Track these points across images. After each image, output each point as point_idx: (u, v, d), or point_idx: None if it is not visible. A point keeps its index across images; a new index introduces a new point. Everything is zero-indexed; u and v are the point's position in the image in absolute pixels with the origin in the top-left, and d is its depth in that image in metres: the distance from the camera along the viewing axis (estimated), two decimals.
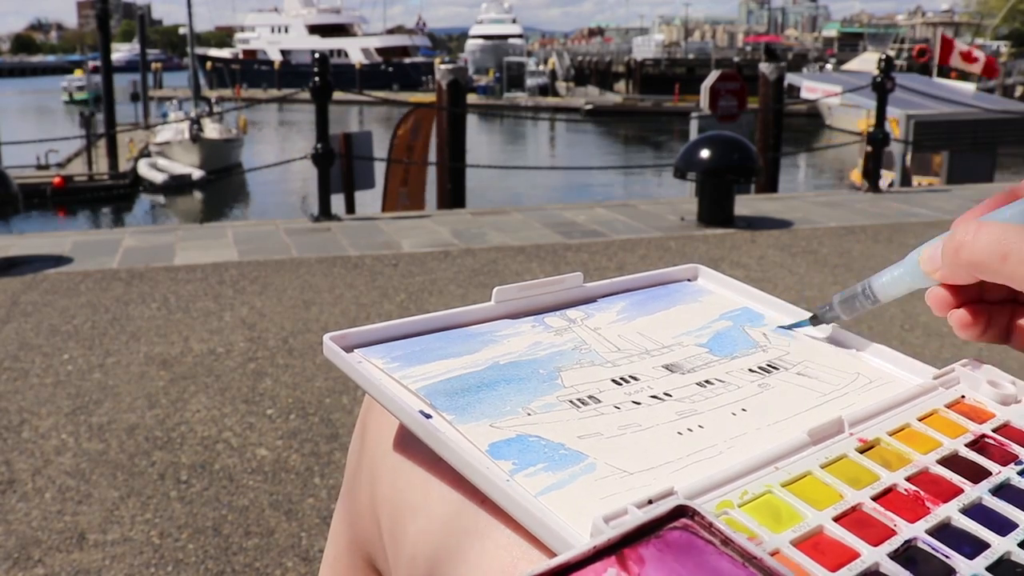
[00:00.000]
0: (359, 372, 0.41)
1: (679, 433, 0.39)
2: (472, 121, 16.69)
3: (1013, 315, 0.42)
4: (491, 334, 0.47)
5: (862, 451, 0.37)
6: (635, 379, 0.43)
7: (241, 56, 63.61)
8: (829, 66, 40.62)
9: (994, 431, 0.39)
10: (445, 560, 0.37)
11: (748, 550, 0.28)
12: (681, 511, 0.30)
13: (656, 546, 0.28)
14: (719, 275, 0.57)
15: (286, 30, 65.74)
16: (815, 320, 0.49)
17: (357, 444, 0.48)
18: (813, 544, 0.31)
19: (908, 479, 0.35)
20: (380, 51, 63.07)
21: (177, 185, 18.74)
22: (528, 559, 0.33)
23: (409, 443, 0.42)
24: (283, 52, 63.01)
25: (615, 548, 0.27)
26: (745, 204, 6.32)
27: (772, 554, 0.30)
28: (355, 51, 62.15)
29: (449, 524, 0.37)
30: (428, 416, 0.38)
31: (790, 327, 0.50)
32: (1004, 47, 51.96)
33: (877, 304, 0.45)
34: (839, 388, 0.44)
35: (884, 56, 7.45)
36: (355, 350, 0.44)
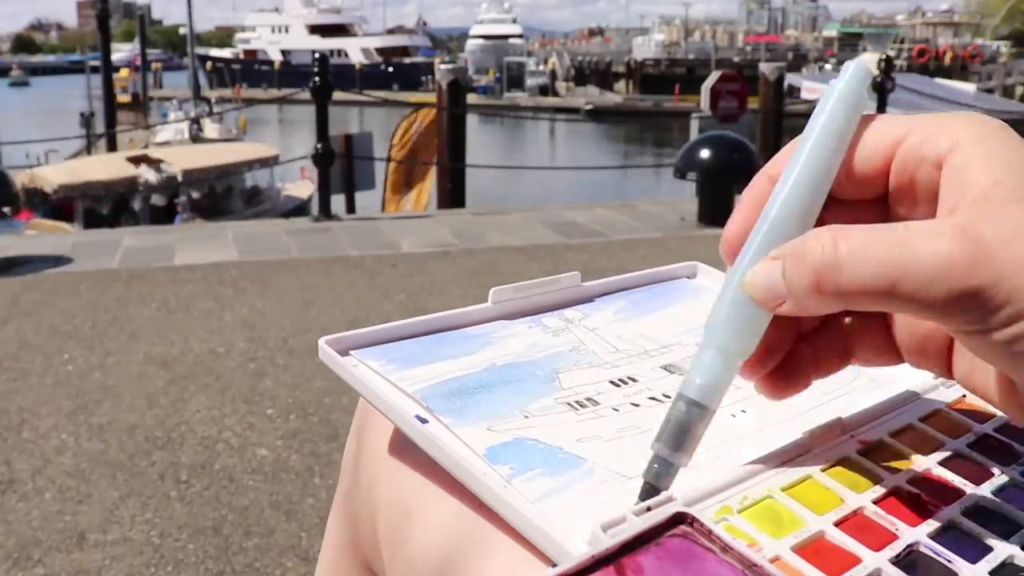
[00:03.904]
0: (355, 376, 0.41)
1: None
2: (472, 121, 16.69)
3: (844, 336, 0.34)
4: (488, 335, 0.46)
5: (863, 453, 0.37)
6: (634, 380, 0.43)
7: (241, 56, 63.69)
8: (829, 66, 40.64)
9: (996, 431, 0.39)
10: (443, 565, 0.37)
11: (748, 557, 0.28)
12: (680, 518, 0.29)
13: (655, 554, 0.28)
14: (718, 273, 0.56)
15: (286, 30, 65.81)
16: (649, 493, 0.32)
17: (353, 446, 0.48)
18: (814, 550, 0.31)
19: (910, 481, 0.35)
20: (380, 51, 63.14)
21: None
22: (527, 565, 0.33)
23: (406, 446, 0.41)
24: (283, 52, 63.09)
25: (614, 557, 0.27)
26: None
27: (773, 561, 0.29)
28: (355, 51, 62.22)
29: (446, 529, 0.37)
30: (424, 421, 0.38)
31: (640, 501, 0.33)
32: (1004, 47, 51.98)
33: (714, 411, 0.32)
34: (839, 388, 0.44)
35: (884, 56, 7.46)
36: (351, 353, 0.43)
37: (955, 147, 0.29)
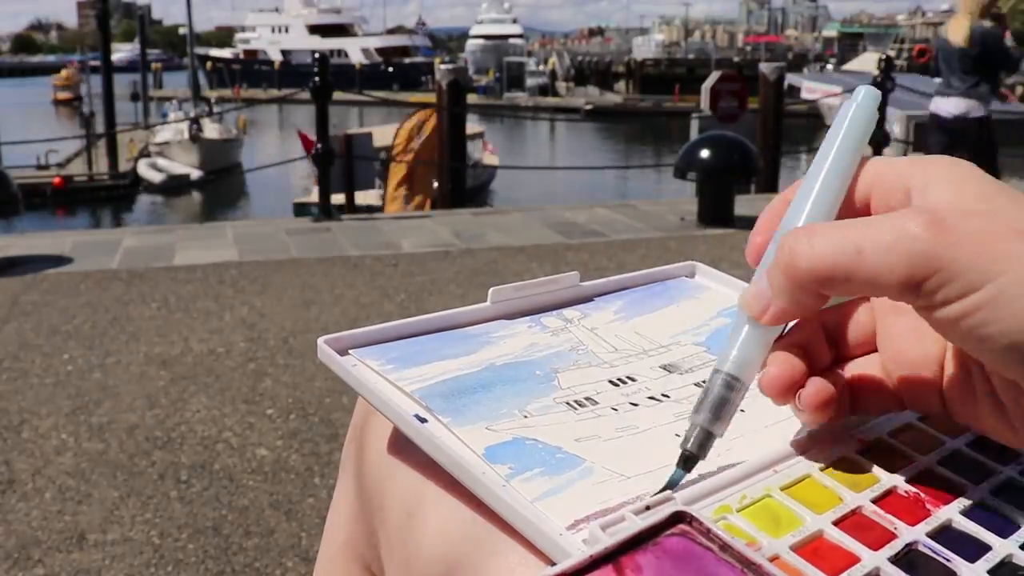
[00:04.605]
0: (354, 376, 0.41)
1: (677, 435, 0.38)
2: (472, 121, 16.69)
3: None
4: (487, 335, 0.46)
5: (862, 452, 0.37)
6: (632, 380, 0.43)
7: (241, 56, 63.69)
8: (829, 66, 40.64)
9: None
10: (442, 565, 0.37)
11: (747, 556, 0.28)
12: (679, 517, 0.29)
13: (654, 553, 0.28)
14: (717, 272, 0.56)
15: (286, 30, 65.81)
16: (689, 462, 0.34)
17: (352, 445, 0.48)
18: (813, 549, 0.31)
19: (908, 480, 0.35)
20: (380, 51, 63.16)
21: (177, 185, 18.75)
22: (527, 565, 0.33)
23: (405, 446, 0.41)
24: (283, 52, 63.09)
25: (612, 556, 0.27)
26: (745, 204, 6.31)
27: (771, 560, 0.29)
28: (355, 51, 62.22)
29: (445, 528, 0.37)
30: (423, 420, 0.38)
31: (663, 490, 0.33)
32: None
33: (744, 390, 0.34)
34: None
35: (884, 56, 7.45)
36: (350, 353, 0.43)
37: (925, 176, 0.31)
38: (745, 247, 0.36)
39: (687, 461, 0.34)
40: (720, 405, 0.34)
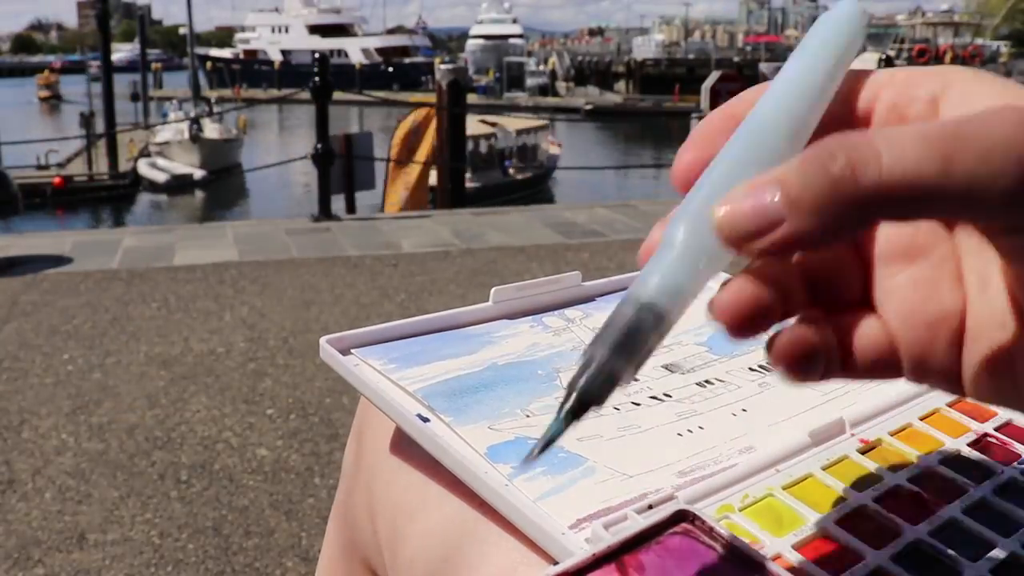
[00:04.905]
0: (356, 375, 0.41)
1: (679, 434, 0.38)
2: (472, 121, 16.71)
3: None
4: (489, 335, 0.46)
5: (864, 452, 0.37)
6: (634, 380, 0.43)
7: (241, 56, 63.66)
8: None
9: (996, 429, 0.39)
10: (444, 564, 0.37)
11: (750, 555, 0.28)
12: (681, 516, 0.29)
13: (656, 552, 0.28)
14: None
15: (286, 30, 65.78)
16: (579, 406, 0.24)
17: (354, 445, 0.48)
18: (815, 548, 0.31)
19: (910, 480, 0.35)
20: (380, 51, 63.12)
21: (177, 185, 18.74)
22: (528, 564, 0.33)
23: (407, 445, 0.41)
24: (283, 52, 63.06)
25: (615, 555, 0.27)
26: None
27: (774, 558, 0.29)
28: (355, 51, 62.20)
29: (448, 528, 0.37)
30: (425, 420, 0.38)
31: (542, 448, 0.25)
32: (1004, 47, 51.98)
33: (665, 329, 0.25)
34: (839, 388, 0.44)
35: (884, 56, 7.46)
36: (352, 352, 0.43)
37: (949, 85, 0.26)
38: (670, 171, 0.28)
39: (577, 408, 0.24)
40: (629, 339, 0.24)
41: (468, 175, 13.36)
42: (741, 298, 0.25)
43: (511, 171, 16.74)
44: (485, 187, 14.85)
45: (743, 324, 0.25)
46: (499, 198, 13.15)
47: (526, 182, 16.79)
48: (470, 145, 14.43)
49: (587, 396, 0.24)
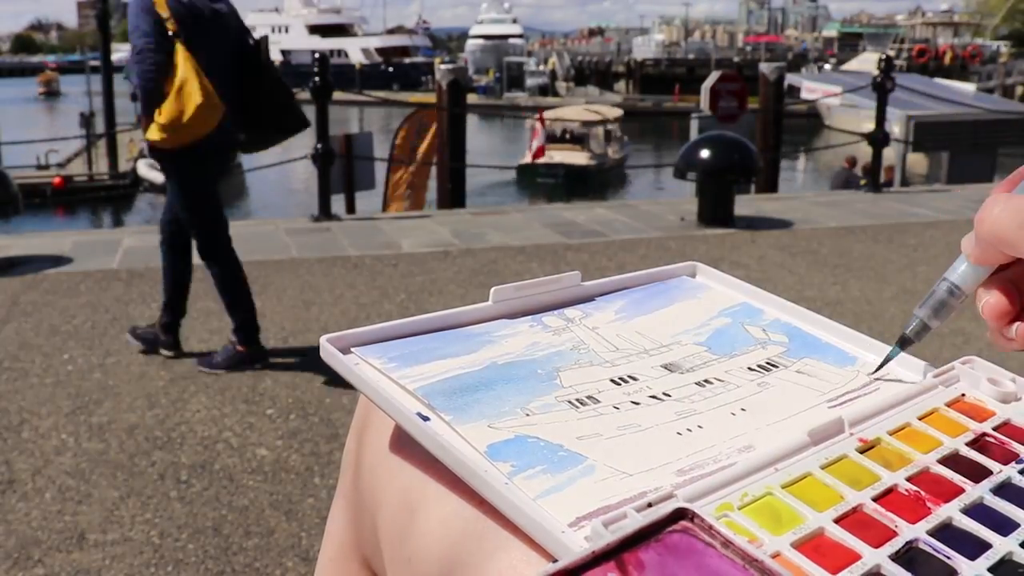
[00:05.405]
0: (356, 374, 0.41)
1: (678, 434, 0.38)
2: (472, 121, 16.72)
3: None
4: (489, 334, 0.46)
5: (862, 451, 0.37)
6: (634, 379, 0.43)
7: None
8: (828, 66, 40.63)
9: (995, 429, 0.39)
10: (444, 563, 0.37)
11: (749, 553, 0.28)
12: (681, 514, 0.30)
13: (656, 550, 0.28)
14: (717, 272, 0.56)
15: (286, 30, 65.76)
16: (905, 343, 0.43)
17: (353, 444, 0.48)
18: (814, 546, 0.31)
19: (909, 479, 0.35)
20: (380, 51, 63.10)
21: None
22: (529, 562, 0.33)
23: (407, 444, 0.41)
24: (283, 52, 63.00)
25: (614, 553, 0.27)
26: (745, 204, 6.32)
27: (773, 557, 0.30)
28: (355, 51, 62.17)
29: (448, 526, 0.37)
30: (426, 419, 0.38)
31: (882, 365, 0.45)
32: (1004, 47, 51.99)
33: (964, 298, 0.41)
34: (839, 387, 0.44)
35: (884, 56, 7.45)
36: (352, 351, 0.43)
37: None
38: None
39: (904, 342, 0.42)
40: (940, 306, 0.41)
41: (587, 156, 19.43)
42: (999, 303, 0.39)
43: (610, 152, 20.51)
44: (601, 167, 19.55)
45: (1000, 319, 0.38)
46: (612, 171, 19.74)
47: (620, 161, 20.32)
48: (584, 129, 19.93)
49: (913, 335, 0.42)
